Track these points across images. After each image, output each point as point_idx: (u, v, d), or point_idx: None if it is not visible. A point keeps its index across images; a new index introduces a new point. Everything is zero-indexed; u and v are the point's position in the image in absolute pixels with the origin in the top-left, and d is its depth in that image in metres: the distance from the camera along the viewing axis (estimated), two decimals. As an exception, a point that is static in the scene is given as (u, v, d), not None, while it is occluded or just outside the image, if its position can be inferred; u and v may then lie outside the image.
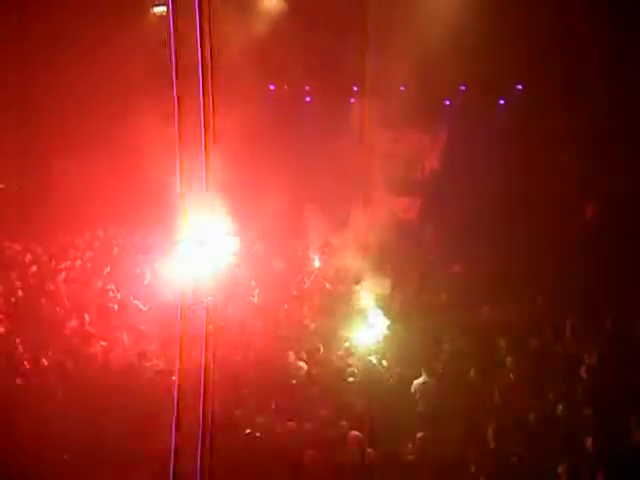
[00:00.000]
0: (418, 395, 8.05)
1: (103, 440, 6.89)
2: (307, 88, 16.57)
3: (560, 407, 7.40)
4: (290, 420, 7.19)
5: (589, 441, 6.66)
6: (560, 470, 6.37)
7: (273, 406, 7.62)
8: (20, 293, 11.02)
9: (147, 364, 8.57)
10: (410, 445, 6.84)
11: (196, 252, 11.13)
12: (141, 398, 7.73)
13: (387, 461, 6.56)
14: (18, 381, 8.06)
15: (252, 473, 6.47)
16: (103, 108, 14.81)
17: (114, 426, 7.10)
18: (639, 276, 10.60)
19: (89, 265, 12.65)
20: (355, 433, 6.78)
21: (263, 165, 14.64)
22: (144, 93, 13.42)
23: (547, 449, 6.73)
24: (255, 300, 11.31)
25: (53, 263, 12.54)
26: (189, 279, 11.04)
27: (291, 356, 8.79)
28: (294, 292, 11.63)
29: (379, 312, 10.28)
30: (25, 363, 8.54)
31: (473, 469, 6.54)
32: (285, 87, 16.50)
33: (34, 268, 12.14)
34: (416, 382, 8.24)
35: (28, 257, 12.67)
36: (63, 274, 11.85)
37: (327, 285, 11.96)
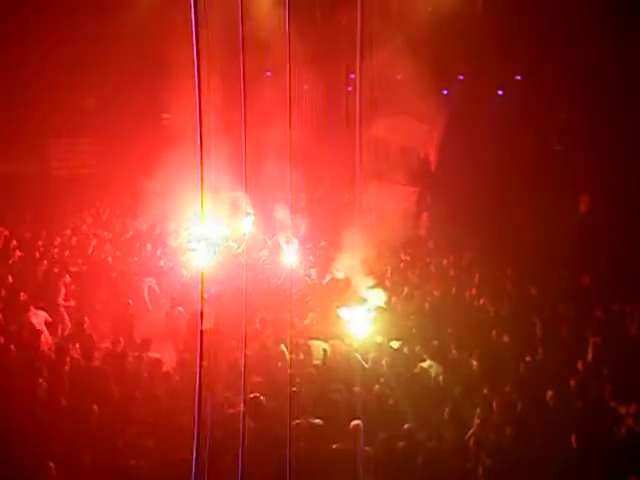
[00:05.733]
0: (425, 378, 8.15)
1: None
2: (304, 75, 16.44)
3: (553, 398, 7.46)
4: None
5: (581, 433, 6.72)
6: (554, 462, 6.44)
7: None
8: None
9: (145, 355, 8.49)
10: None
11: (203, 246, 11.15)
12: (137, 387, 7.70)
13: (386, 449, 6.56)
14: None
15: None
16: (106, 90, 14.73)
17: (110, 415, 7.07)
18: (633, 268, 10.67)
19: (67, 254, 12.50)
20: (356, 422, 6.78)
21: (259, 155, 14.57)
22: (147, 76, 13.37)
23: (541, 440, 6.78)
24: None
25: (42, 248, 12.42)
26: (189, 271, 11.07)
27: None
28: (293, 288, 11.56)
29: (376, 302, 10.29)
30: (12, 347, 8.44)
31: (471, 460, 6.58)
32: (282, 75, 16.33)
33: (18, 253, 12.00)
34: (421, 364, 8.35)
35: (14, 243, 12.49)
36: (45, 262, 11.68)
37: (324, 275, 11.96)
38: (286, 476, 5.42)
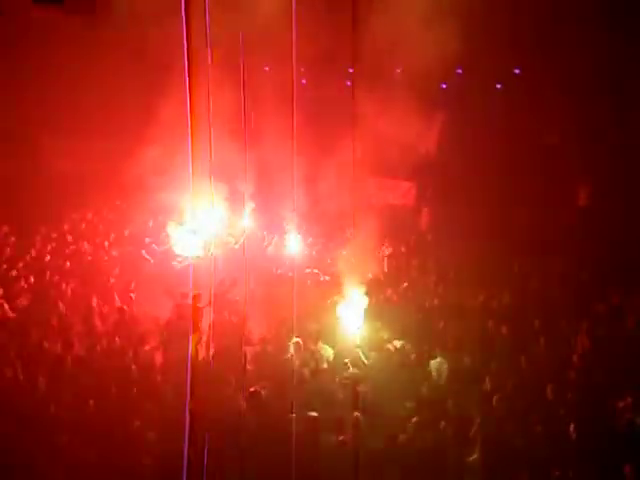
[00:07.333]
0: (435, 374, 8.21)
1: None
2: (302, 70, 16.39)
3: (552, 391, 7.49)
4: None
5: (577, 425, 6.76)
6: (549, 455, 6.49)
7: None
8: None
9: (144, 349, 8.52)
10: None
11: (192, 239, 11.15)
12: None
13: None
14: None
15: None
16: (97, 89, 14.71)
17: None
18: (632, 262, 10.70)
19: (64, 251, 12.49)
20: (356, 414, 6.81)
21: (258, 148, 14.56)
22: (140, 74, 13.33)
23: (539, 434, 6.82)
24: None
25: (39, 245, 12.42)
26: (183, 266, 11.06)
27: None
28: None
29: (374, 298, 10.29)
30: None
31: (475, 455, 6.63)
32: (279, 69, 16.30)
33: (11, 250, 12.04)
34: (433, 362, 8.41)
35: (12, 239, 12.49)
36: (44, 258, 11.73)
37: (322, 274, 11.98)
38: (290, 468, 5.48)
